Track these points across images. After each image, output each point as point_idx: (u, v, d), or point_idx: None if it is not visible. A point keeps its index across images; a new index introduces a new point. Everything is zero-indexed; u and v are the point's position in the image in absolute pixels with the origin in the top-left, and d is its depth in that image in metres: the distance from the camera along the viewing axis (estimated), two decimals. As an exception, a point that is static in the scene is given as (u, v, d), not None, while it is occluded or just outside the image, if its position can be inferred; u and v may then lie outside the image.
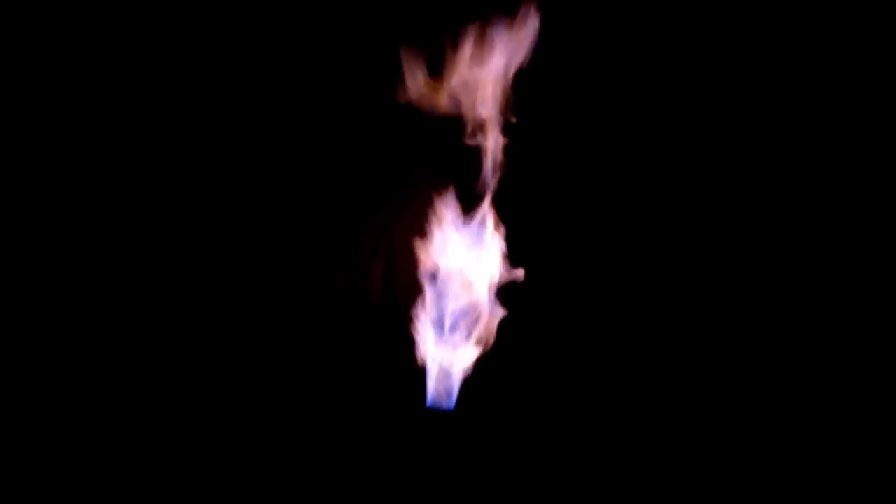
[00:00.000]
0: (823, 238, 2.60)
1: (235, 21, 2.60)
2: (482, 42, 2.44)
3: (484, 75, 2.45)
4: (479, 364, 2.38)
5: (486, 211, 2.44)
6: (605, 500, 2.52)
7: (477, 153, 2.49)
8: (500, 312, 2.40)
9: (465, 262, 2.41)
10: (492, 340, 2.40)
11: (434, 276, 2.41)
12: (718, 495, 2.52)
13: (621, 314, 2.61)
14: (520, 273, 2.43)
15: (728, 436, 2.56)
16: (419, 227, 2.46)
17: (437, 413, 2.36)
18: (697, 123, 2.62)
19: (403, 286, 2.48)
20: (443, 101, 2.48)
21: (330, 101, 2.62)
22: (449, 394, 2.37)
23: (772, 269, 2.61)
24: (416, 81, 2.47)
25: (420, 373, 2.38)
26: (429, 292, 2.40)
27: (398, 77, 2.49)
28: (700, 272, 2.62)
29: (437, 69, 2.48)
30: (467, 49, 2.44)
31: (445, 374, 2.37)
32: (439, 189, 2.46)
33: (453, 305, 2.39)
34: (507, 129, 2.49)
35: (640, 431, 2.57)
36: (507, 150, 2.49)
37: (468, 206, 2.46)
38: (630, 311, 2.61)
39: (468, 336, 2.39)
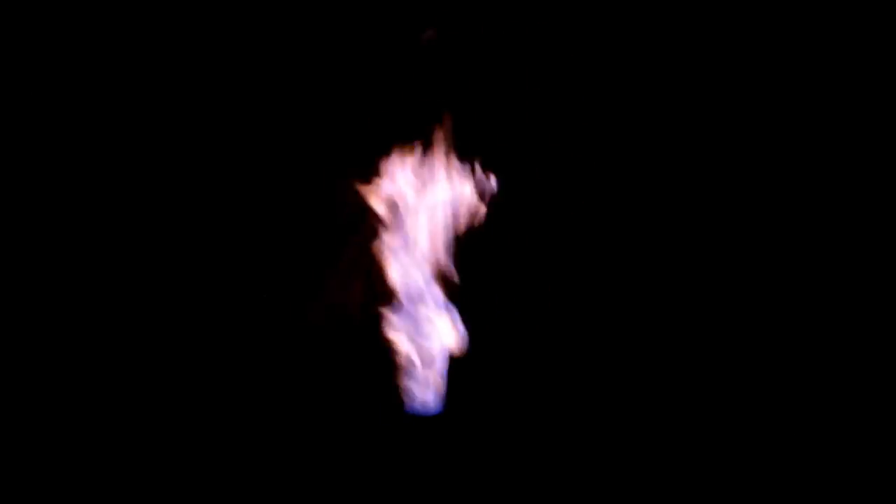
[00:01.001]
0: (820, 238, 2.60)
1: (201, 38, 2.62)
2: None
3: None
4: (459, 368, 2.41)
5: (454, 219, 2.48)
6: (589, 500, 2.52)
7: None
8: (466, 317, 2.43)
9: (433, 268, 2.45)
10: (465, 344, 2.42)
11: (407, 286, 2.44)
12: (705, 496, 2.52)
13: (598, 312, 2.63)
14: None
15: (712, 436, 2.56)
16: (389, 242, 2.49)
17: (419, 418, 2.40)
18: (683, 119, 2.63)
19: (380, 299, 2.50)
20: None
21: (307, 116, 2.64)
22: (431, 398, 2.40)
23: (749, 267, 2.62)
24: None
25: (402, 380, 2.41)
26: (403, 301, 2.43)
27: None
28: (682, 268, 2.63)
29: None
30: None
31: (426, 379, 2.40)
32: (413, 202, 2.50)
33: (428, 312, 2.43)
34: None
35: (624, 428, 2.58)
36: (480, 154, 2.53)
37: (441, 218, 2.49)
38: (610, 310, 2.63)
39: (445, 341, 2.42)
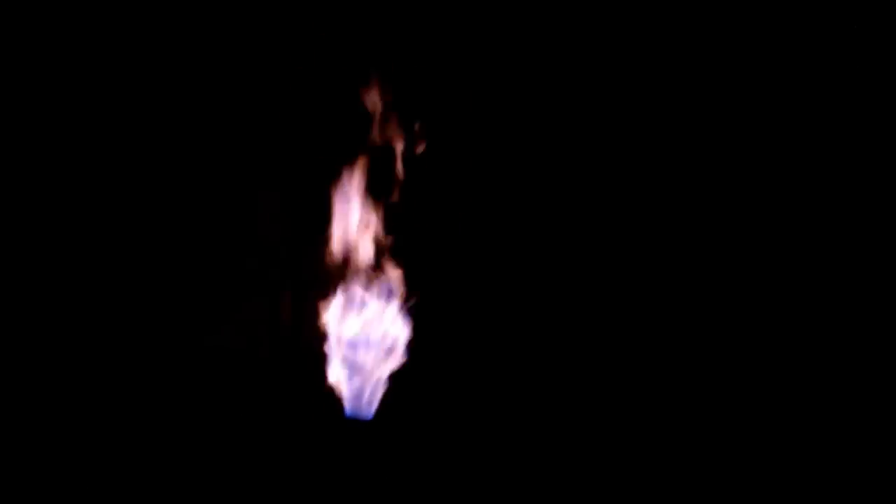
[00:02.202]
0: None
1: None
2: None
3: None
4: (395, 374, 2.43)
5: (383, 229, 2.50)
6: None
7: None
8: (408, 324, 2.45)
9: (370, 278, 2.47)
10: (402, 350, 2.45)
11: (343, 296, 2.46)
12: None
13: (535, 316, 2.67)
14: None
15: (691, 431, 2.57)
16: (326, 254, 2.51)
17: (355, 423, 2.42)
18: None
19: (313, 309, 2.52)
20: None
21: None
22: (367, 404, 2.42)
23: (734, 264, 2.62)
24: None
25: (337, 387, 2.43)
26: (338, 311, 2.45)
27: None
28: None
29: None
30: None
31: (361, 386, 2.42)
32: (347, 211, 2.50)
33: (363, 321, 2.45)
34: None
35: (556, 429, 2.62)
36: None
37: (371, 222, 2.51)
38: (543, 314, 2.67)
39: (380, 348, 2.44)
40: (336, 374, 2.40)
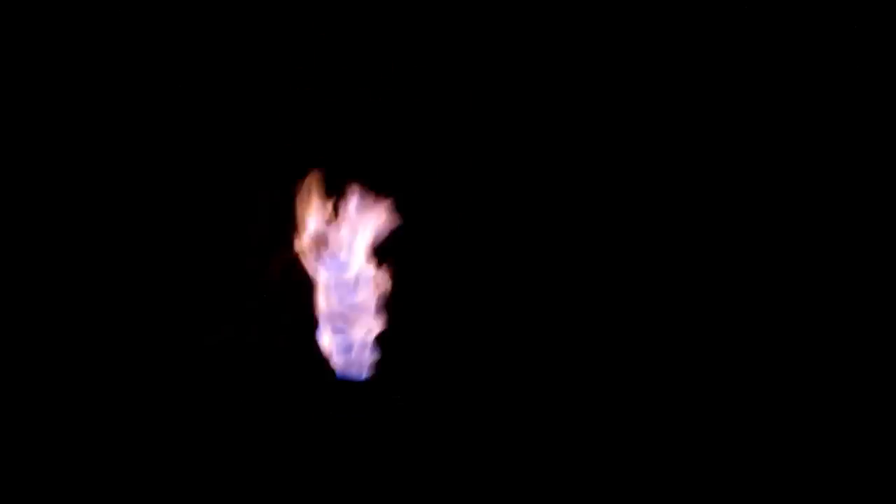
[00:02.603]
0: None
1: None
2: None
3: None
4: (385, 333, 2.45)
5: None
6: (513, 468, 2.53)
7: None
8: (389, 281, 2.47)
9: (350, 235, 2.49)
10: (387, 309, 2.46)
11: (324, 255, 2.47)
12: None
13: (522, 276, 2.67)
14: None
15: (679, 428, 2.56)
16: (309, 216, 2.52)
17: (347, 384, 2.43)
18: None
19: (300, 272, 2.53)
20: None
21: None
22: (358, 365, 2.43)
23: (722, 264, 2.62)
24: None
25: (327, 348, 2.44)
26: (323, 271, 2.47)
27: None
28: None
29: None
30: None
31: (351, 346, 2.44)
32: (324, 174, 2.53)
33: (348, 279, 2.46)
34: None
35: (551, 393, 2.61)
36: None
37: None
38: (537, 271, 2.67)
39: (367, 307, 2.46)
40: (325, 336, 2.42)
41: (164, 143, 2.70)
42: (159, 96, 2.69)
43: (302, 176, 2.48)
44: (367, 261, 2.44)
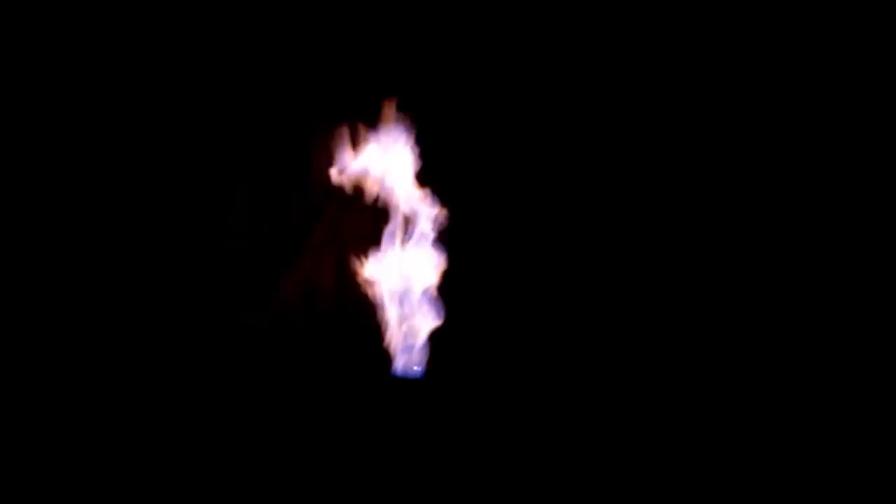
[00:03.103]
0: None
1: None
2: None
3: None
4: (441, 332, 2.47)
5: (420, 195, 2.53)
6: (571, 465, 2.54)
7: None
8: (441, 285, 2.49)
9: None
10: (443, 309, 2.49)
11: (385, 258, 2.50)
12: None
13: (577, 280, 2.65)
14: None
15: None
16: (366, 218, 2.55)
17: (406, 382, 2.45)
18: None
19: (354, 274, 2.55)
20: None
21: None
22: (416, 363, 2.46)
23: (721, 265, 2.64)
24: None
25: (387, 347, 2.46)
26: (383, 274, 2.49)
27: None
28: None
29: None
30: None
31: (410, 344, 2.46)
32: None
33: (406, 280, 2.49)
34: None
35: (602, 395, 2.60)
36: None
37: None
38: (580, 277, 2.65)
39: (426, 306, 2.48)
40: (386, 334, 2.44)
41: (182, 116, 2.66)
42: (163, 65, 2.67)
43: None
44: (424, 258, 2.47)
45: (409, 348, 2.46)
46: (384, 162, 2.57)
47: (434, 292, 2.50)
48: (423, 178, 2.57)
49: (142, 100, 2.62)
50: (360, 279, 2.51)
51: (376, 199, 2.56)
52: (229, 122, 2.64)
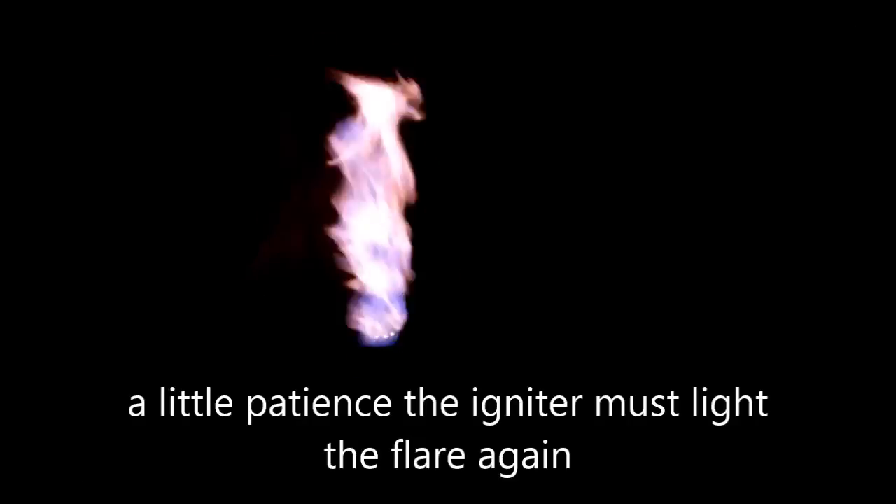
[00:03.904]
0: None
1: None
2: None
3: None
4: (412, 298, 2.45)
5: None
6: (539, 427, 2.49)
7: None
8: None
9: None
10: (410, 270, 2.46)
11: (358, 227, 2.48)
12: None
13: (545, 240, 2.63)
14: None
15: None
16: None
17: (376, 349, 2.42)
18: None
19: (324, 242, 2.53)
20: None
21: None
22: (386, 329, 2.43)
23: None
24: None
25: (354, 311, 2.44)
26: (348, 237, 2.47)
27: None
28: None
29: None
30: None
31: (380, 309, 2.44)
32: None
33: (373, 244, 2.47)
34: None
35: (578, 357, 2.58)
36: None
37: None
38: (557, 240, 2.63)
39: (394, 268, 2.46)
40: (357, 302, 2.42)
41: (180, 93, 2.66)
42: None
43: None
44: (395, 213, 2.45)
45: (380, 315, 2.43)
46: (354, 133, 2.53)
47: (406, 259, 2.47)
48: (394, 148, 2.54)
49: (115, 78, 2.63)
50: (330, 248, 2.49)
51: (344, 169, 2.53)
52: (195, 99, 2.64)
